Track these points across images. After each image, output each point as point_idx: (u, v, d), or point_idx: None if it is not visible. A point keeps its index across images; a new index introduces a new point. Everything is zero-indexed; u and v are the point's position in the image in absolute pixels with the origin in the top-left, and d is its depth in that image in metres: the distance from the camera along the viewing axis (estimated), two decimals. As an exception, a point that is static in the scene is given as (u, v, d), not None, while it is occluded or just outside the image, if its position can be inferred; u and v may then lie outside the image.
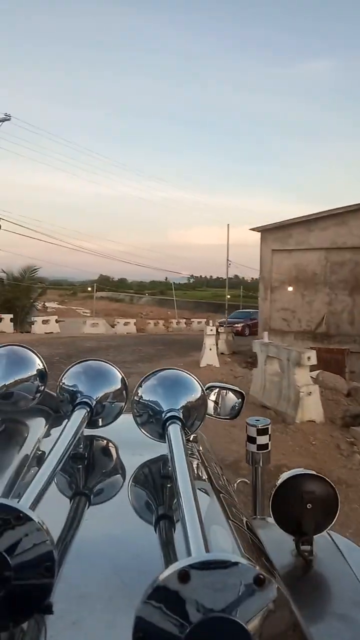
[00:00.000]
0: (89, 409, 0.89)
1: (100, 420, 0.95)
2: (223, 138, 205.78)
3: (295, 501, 0.96)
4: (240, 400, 1.52)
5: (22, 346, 1.06)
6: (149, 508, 0.83)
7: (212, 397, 1.50)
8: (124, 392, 0.99)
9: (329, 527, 1.00)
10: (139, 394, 0.93)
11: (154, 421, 0.89)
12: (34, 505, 0.54)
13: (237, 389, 1.55)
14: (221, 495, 0.92)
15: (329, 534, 1.04)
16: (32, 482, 0.60)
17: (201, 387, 0.94)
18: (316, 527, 0.97)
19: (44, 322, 21.29)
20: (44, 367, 1.05)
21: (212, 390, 1.49)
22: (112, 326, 27.99)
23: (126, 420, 0.95)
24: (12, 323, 20.45)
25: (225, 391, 1.54)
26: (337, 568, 0.96)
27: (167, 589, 0.41)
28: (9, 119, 23.54)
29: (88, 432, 0.93)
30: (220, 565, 0.42)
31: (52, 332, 20.69)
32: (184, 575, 0.41)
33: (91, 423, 0.92)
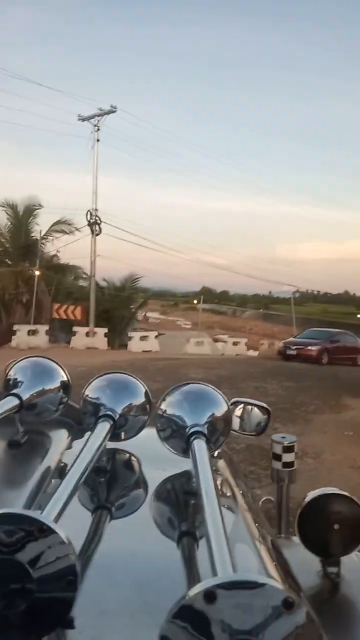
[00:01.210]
0: (112, 422, 0.88)
1: (123, 433, 0.95)
2: (340, 153, 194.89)
3: (321, 521, 0.94)
4: (266, 416, 1.51)
5: (46, 358, 1.08)
6: (171, 524, 0.81)
7: (238, 412, 1.49)
8: (148, 405, 0.98)
9: (357, 549, 0.97)
10: (163, 408, 0.91)
11: (177, 436, 0.87)
12: (57, 518, 0.54)
13: (263, 404, 1.53)
14: (246, 513, 0.89)
15: (357, 556, 1.00)
16: (54, 495, 0.60)
17: (226, 402, 0.93)
18: (343, 548, 0.95)
19: (142, 338, 18.74)
20: (68, 379, 1.05)
21: (237, 406, 1.49)
22: (215, 340, 24.98)
23: (149, 434, 0.93)
24: (106, 338, 18.20)
25: (250, 407, 1.53)
26: None
27: (193, 609, 0.40)
28: (114, 111, 21.61)
29: (111, 445, 0.91)
30: (248, 586, 0.41)
31: (150, 351, 18.05)
32: (210, 595, 0.40)
33: (114, 436, 0.91)
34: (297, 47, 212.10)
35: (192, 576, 0.62)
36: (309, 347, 17.66)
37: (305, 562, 0.94)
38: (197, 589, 0.40)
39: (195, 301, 66.82)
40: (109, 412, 0.90)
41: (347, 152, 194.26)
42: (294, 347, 17.95)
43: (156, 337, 19.89)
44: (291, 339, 20.24)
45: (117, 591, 0.60)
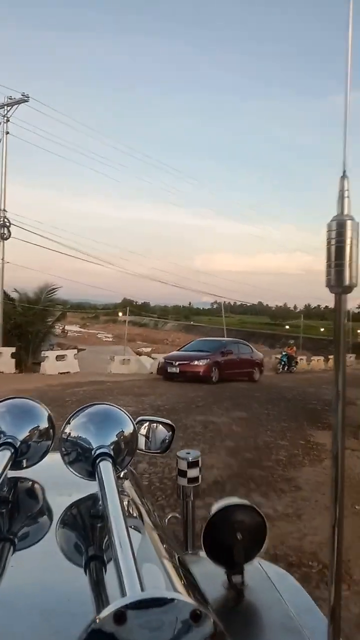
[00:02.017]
0: (12, 450, 0.86)
1: (25, 461, 0.93)
2: (256, 169, 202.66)
3: (225, 532, 0.96)
4: (170, 433, 1.52)
5: None
6: (78, 549, 0.80)
7: (143, 431, 1.49)
8: (51, 430, 0.97)
9: (258, 555, 1.00)
10: (67, 432, 0.89)
11: (83, 459, 0.86)
12: None
13: (167, 421, 1.54)
14: (153, 532, 0.90)
15: (259, 563, 1.04)
16: None
17: (132, 421, 0.92)
18: (246, 556, 0.97)
19: (59, 358, 16.29)
20: None
21: (142, 424, 1.49)
22: (138, 354, 23.09)
23: (54, 459, 0.92)
24: (14, 360, 15.50)
25: (155, 424, 1.52)
26: (267, 596, 0.97)
27: (103, 632, 0.40)
28: (26, 100, 19.13)
29: (12, 474, 0.90)
30: (156, 603, 0.42)
31: (68, 372, 15.67)
32: (120, 616, 0.40)
33: (15, 464, 0.89)
34: (205, 66, 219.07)
35: (101, 600, 0.61)
36: (195, 363, 14.29)
37: (212, 575, 0.96)
38: (107, 611, 0.40)
39: (120, 313, 64.66)
40: (9, 440, 0.88)
41: (263, 170, 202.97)
42: (177, 364, 14.44)
43: (75, 355, 17.46)
44: (174, 352, 16.73)
45: (25, 624, 0.58)
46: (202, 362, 14.32)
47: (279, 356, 23.41)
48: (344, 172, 0.65)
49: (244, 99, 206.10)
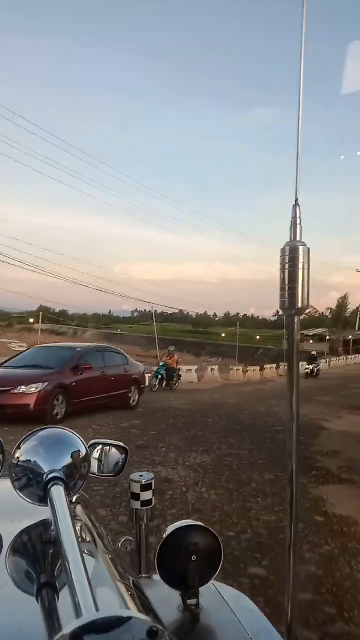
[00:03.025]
0: None
1: None
2: (181, 184, 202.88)
3: (180, 555, 0.95)
4: (124, 455, 1.50)
5: None
6: (30, 577, 0.76)
7: (96, 454, 1.47)
8: (1, 455, 0.97)
9: (213, 578, 0.99)
10: (17, 457, 0.86)
11: (34, 484, 0.83)
12: None
13: (120, 444, 1.52)
14: (107, 555, 0.89)
15: (214, 585, 1.03)
16: None
17: (84, 445, 0.90)
18: (201, 579, 0.96)
19: None
20: None
21: (95, 448, 1.47)
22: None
23: (4, 485, 0.90)
24: None
25: (108, 447, 1.50)
26: (223, 618, 0.96)
27: None
28: None
29: None
30: (112, 622, 0.42)
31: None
32: (75, 638, 0.40)
33: None
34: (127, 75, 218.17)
35: (56, 626, 0.60)
36: (20, 390, 8.37)
37: (167, 598, 0.95)
38: (61, 634, 0.40)
39: (31, 320, 59.98)
40: None
41: (178, 180, 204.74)
42: None
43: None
44: None
45: None
46: (33, 389, 8.36)
47: (191, 367, 19.98)
48: (297, 200, 0.69)
49: (164, 107, 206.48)
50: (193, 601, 0.94)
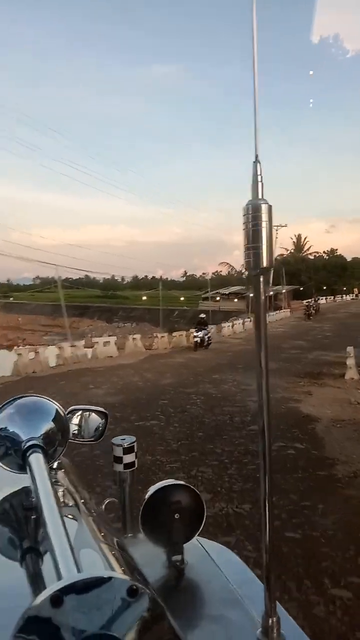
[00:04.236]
0: None
1: None
2: (78, 141, 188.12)
3: (163, 513, 0.97)
4: (104, 420, 1.50)
5: None
6: (12, 543, 0.78)
7: (75, 420, 1.47)
8: None
9: (197, 534, 1.01)
10: None
11: (12, 452, 0.83)
12: None
13: (100, 409, 1.52)
14: (89, 518, 0.89)
15: (198, 540, 1.05)
16: None
17: (62, 412, 0.91)
18: (185, 535, 0.99)
19: None
20: None
21: (74, 414, 1.47)
22: None
23: None
24: None
25: (88, 413, 1.51)
26: (207, 572, 0.97)
27: (39, 618, 0.40)
28: None
29: None
30: (93, 583, 0.42)
31: None
32: (56, 600, 0.40)
33: None
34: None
35: (39, 588, 0.58)
36: None
37: (152, 556, 0.97)
38: (42, 596, 0.40)
39: None
40: None
41: (87, 138, 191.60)
42: None
43: None
44: None
45: None
46: None
47: (109, 338, 16.79)
48: (256, 157, 0.67)
49: (69, 63, 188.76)
50: (178, 557, 0.97)
